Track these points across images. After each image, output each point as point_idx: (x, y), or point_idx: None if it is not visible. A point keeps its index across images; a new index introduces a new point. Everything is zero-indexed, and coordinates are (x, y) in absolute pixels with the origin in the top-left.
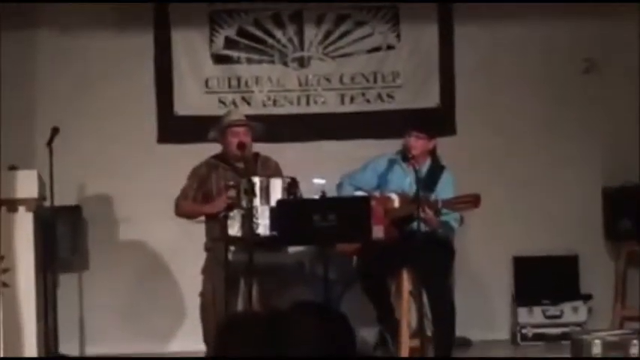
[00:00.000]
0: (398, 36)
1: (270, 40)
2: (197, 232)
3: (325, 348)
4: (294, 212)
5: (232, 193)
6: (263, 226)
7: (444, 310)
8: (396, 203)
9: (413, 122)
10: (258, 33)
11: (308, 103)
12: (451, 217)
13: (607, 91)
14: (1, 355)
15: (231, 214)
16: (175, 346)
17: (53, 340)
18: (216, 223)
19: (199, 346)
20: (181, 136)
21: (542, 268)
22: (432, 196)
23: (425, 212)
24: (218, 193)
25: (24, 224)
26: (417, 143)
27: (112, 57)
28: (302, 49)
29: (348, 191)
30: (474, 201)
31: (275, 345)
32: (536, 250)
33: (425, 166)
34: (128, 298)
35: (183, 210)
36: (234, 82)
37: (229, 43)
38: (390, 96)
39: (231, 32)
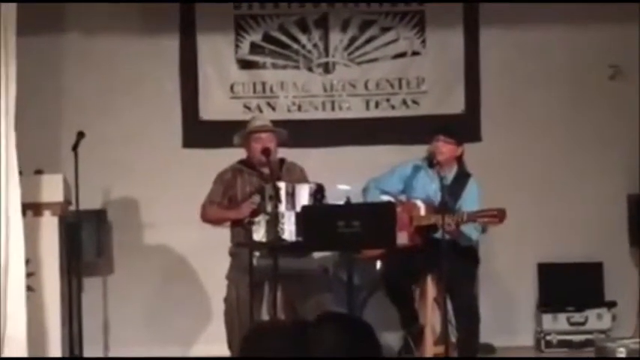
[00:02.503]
0: (423, 42)
1: (295, 46)
2: (221, 236)
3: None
4: (319, 218)
5: (257, 198)
6: (289, 231)
7: (468, 317)
8: (422, 211)
9: (441, 127)
10: (284, 38)
11: (333, 108)
12: (472, 228)
13: (633, 97)
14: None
15: (256, 219)
16: (199, 351)
17: (78, 343)
18: (240, 229)
19: (223, 351)
20: (206, 141)
21: (567, 275)
22: (457, 205)
23: (448, 223)
24: (243, 199)
25: (49, 228)
26: (445, 148)
27: (138, 61)
28: (327, 54)
29: (375, 195)
30: (498, 215)
31: (300, 356)
32: (561, 256)
33: (451, 173)
34: (152, 302)
35: (209, 216)
36: (259, 88)
37: (255, 48)
38: (415, 102)
39: (256, 37)
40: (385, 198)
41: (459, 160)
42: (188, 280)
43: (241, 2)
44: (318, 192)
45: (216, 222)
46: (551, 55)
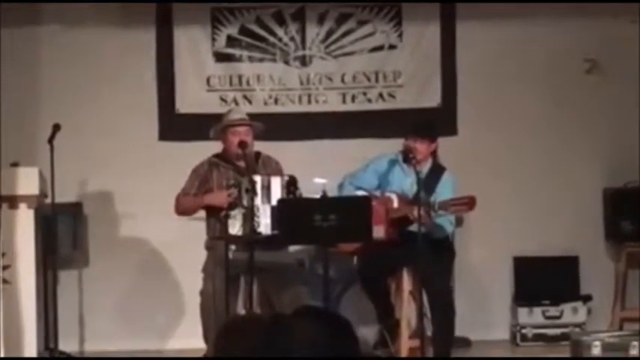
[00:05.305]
0: (400, 35)
1: (271, 39)
2: (198, 229)
3: (327, 354)
4: (295, 211)
5: (234, 192)
6: (264, 224)
7: (443, 310)
8: (395, 204)
9: (416, 126)
10: (260, 31)
11: (309, 101)
12: (445, 220)
13: (609, 91)
14: (1, 351)
15: (232, 213)
16: (175, 344)
17: (53, 336)
18: (216, 222)
19: (199, 344)
20: (182, 134)
21: (543, 269)
22: (432, 198)
23: (420, 214)
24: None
25: (25, 221)
26: (421, 147)
27: (115, 54)
28: (304, 47)
29: (349, 191)
30: (469, 203)
31: (276, 350)
32: (537, 250)
33: (426, 168)
34: (128, 295)
35: (183, 205)
36: (235, 81)
37: (231, 41)
38: (391, 95)
39: (233, 30)
40: (360, 194)
41: (433, 154)
42: (164, 273)
43: None
44: (291, 184)
45: (190, 210)
46: (527, 48)
